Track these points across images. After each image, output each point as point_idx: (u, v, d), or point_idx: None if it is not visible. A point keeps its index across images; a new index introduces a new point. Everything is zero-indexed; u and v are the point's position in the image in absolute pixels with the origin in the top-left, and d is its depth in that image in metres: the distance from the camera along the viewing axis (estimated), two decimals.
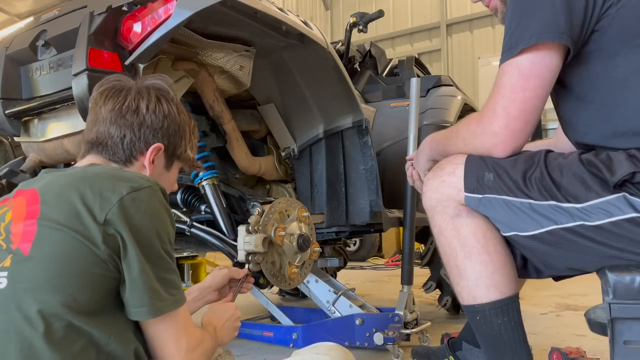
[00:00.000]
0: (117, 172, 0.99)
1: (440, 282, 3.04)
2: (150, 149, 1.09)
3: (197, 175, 1.82)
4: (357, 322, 2.07)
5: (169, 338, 0.96)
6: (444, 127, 2.53)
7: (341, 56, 2.99)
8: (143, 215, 0.92)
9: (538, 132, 7.59)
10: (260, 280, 1.74)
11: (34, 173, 1.94)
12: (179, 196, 2.03)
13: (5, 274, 0.89)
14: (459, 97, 2.91)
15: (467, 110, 2.94)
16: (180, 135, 1.14)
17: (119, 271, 0.91)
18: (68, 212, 0.90)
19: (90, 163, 1.05)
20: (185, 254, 4.14)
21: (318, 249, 1.89)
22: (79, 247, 0.88)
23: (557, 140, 1.47)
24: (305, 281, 2.22)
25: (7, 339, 0.85)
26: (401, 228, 2.26)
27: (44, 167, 1.95)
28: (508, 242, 1.20)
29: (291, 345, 2.25)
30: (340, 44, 3.08)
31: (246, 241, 1.65)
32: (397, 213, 2.33)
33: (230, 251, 1.76)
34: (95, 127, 1.08)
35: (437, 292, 3.11)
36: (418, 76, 3.18)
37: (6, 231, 0.93)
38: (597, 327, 1.03)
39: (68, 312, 0.85)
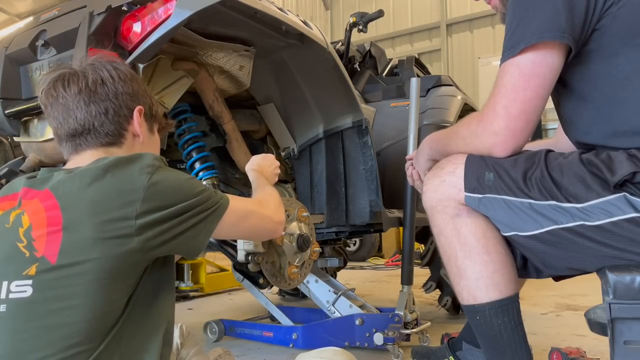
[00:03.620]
0: (124, 161, 0.96)
1: (440, 282, 3.04)
2: (135, 112, 1.08)
3: (197, 174, 1.82)
4: (357, 322, 2.07)
5: (247, 222, 1.15)
6: (444, 127, 2.52)
7: (341, 56, 2.99)
8: (168, 193, 0.95)
9: (538, 132, 7.59)
10: (260, 280, 1.74)
11: None
12: None
13: (29, 282, 0.88)
14: (459, 97, 2.91)
15: (467, 110, 2.94)
16: (147, 94, 1.14)
17: (152, 248, 0.93)
18: (94, 215, 0.89)
19: (96, 159, 1.01)
20: None
21: (318, 249, 1.89)
22: (109, 249, 0.88)
23: (558, 140, 1.47)
24: (305, 281, 2.21)
25: (41, 346, 0.86)
26: (401, 228, 2.26)
27: (43, 167, 1.95)
28: (508, 242, 1.20)
29: (291, 345, 2.25)
30: (340, 44, 3.08)
31: (246, 241, 1.65)
32: (397, 213, 2.33)
33: (230, 251, 1.76)
34: (70, 117, 1.03)
35: (437, 292, 3.11)
36: (418, 76, 3.18)
37: (27, 238, 0.91)
38: (597, 327, 1.03)
39: (101, 315, 0.88)
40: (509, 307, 1.18)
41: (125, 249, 0.89)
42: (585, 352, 1.85)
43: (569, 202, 1.07)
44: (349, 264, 4.59)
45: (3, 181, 1.93)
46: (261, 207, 1.22)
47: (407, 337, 2.06)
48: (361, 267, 6.25)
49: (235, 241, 1.71)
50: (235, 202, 1.10)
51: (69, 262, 0.88)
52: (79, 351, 0.87)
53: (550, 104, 1.20)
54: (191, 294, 3.97)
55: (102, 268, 0.88)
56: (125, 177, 0.93)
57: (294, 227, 1.80)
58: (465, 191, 1.18)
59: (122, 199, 0.90)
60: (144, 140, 1.10)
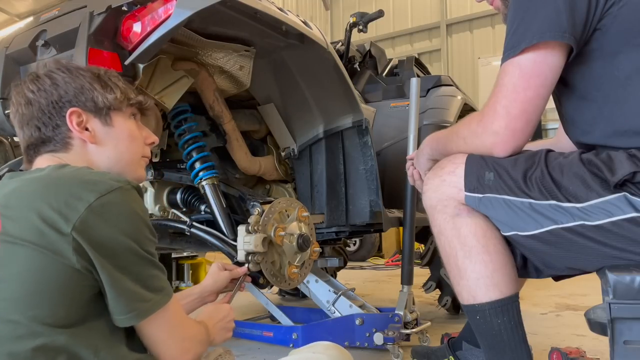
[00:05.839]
0: (84, 176, 0.91)
1: (440, 282, 3.04)
2: (67, 118, 1.01)
3: (197, 174, 1.82)
4: (357, 322, 2.07)
5: (163, 333, 0.94)
6: (444, 127, 2.52)
7: (341, 56, 2.99)
8: (115, 221, 0.87)
9: (538, 132, 7.59)
10: (260, 280, 1.73)
11: None
12: (178, 196, 2.03)
13: None
14: (459, 97, 2.91)
15: (467, 110, 2.95)
16: (86, 88, 1.03)
17: (96, 279, 0.86)
18: (33, 226, 0.84)
19: (56, 164, 0.97)
20: (185, 254, 4.15)
21: (318, 249, 1.89)
22: (49, 262, 0.83)
23: (558, 140, 1.47)
24: (305, 281, 2.21)
25: None
26: (401, 228, 2.26)
27: None
28: (508, 241, 1.21)
29: (291, 345, 2.24)
30: (340, 44, 3.08)
31: (246, 241, 1.65)
32: (397, 213, 2.33)
33: (230, 251, 1.76)
34: (19, 135, 1.05)
35: (437, 292, 3.11)
36: (418, 76, 3.18)
37: None
38: (597, 327, 1.03)
39: (45, 330, 0.81)
40: (509, 307, 1.18)
41: (58, 264, 0.84)
42: (585, 352, 1.85)
43: (569, 201, 1.07)
44: (349, 264, 4.60)
45: None
46: (195, 334, 1.04)
47: (407, 337, 2.06)
48: (361, 267, 6.25)
49: (235, 240, 1.71)
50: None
51: (8, 273, 0.84)
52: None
53: (550, 104, 1.21)
54: None
55: (37, 282, 0.83)
56: (75, 191, 0.87)
57: (294, 227, 1.80)
58: (465, 191, 1.18)
59: (62, 213, 0.85)
60: (98, 139, 1.03)
